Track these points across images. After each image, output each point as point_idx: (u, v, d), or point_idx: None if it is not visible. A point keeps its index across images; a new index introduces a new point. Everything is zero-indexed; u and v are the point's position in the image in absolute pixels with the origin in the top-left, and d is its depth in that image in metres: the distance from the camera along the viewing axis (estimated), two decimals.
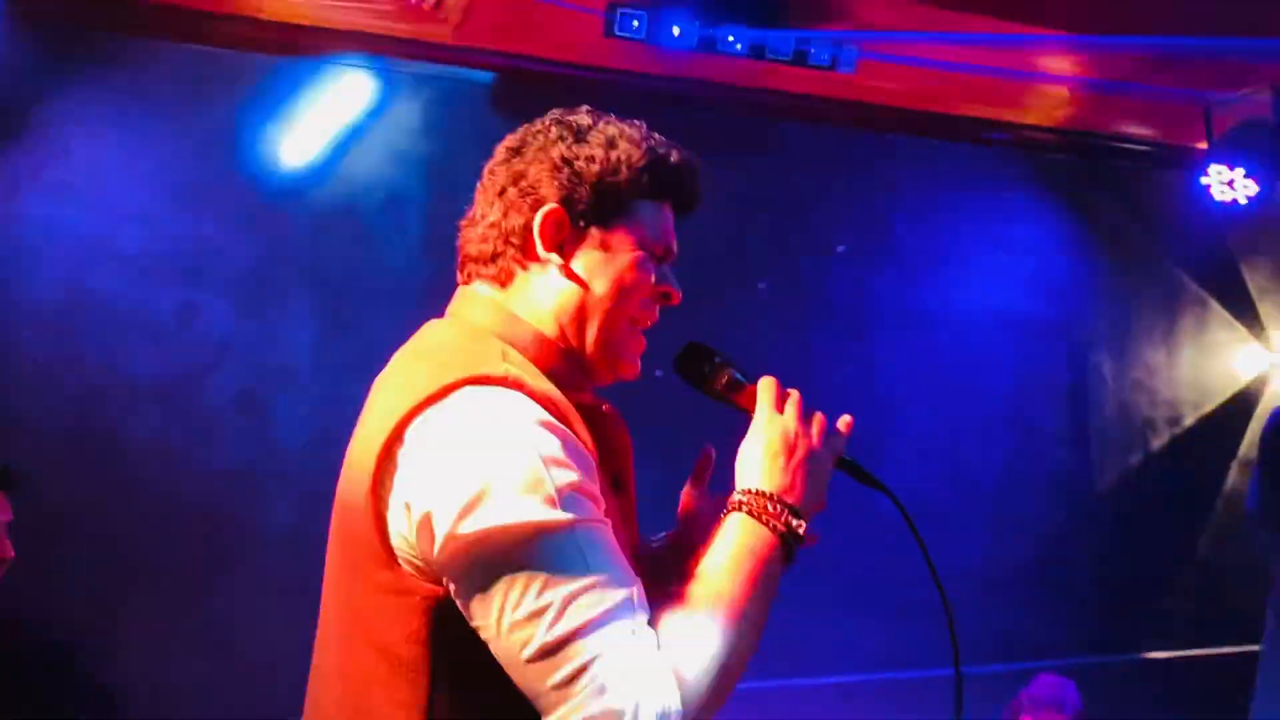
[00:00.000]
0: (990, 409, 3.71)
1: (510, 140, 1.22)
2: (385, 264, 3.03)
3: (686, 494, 1.36)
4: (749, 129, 3.46)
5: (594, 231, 1.18)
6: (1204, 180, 3.45)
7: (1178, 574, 3.91)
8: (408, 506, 1.02)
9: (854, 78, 3.24)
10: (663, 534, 1.37)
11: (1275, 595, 3.10)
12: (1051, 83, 3.37)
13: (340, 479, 1.15)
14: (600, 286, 1.17)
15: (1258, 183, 3.37)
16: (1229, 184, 3.41)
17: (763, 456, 1.17)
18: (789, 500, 1.14)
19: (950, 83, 3.34)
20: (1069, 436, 3.86)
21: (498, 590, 0.98)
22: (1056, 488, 3.80)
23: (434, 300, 1.27)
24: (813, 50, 2.69)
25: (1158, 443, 4.00)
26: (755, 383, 1.22)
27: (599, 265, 1.18)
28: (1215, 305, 4.15)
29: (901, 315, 3.62)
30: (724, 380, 1.27)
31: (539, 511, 0.99)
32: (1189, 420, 4.06)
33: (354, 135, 3.09)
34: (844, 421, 1.25)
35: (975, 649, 3.55)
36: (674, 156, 1.21)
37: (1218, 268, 4.14)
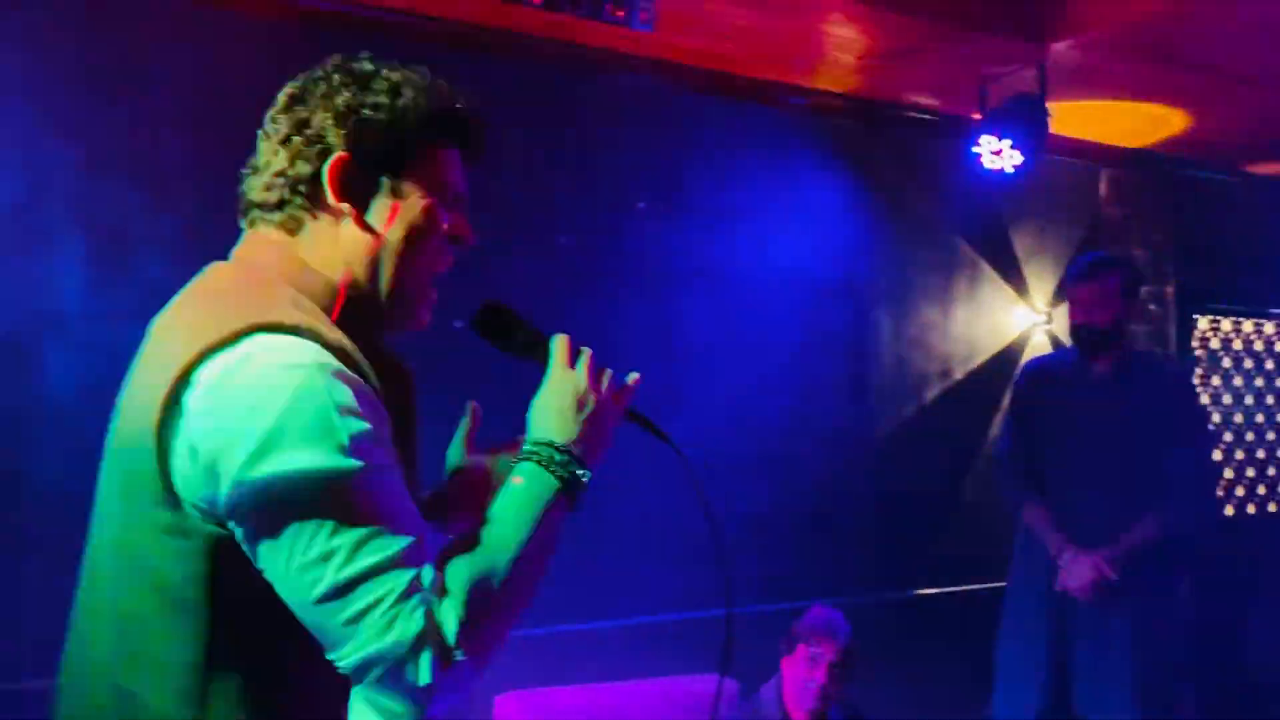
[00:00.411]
0: (779, 363, 3.87)
1: (291, 87, 1.21)
2: (160, 206, 2.86)
3: (458, 448, 1.42)
4: (549, 82, 3.46)
5: (383, 179, 1.19)
6: (975, 150, 3.69)
7: (945, 517, 4.21)
8: (194, 450, 1.02)
9: (653, 35, 3.28)
10: (434, 486, 1.42)
11: (1020, 535, 3.41)
12: (841, 50, 3.50)
13: (116, 421, 1.13)
14: (393, 234, 1.19)
15: (1022, 153, 3.63)
16: (997, 154, 3.67)
17: (553, 410, 1.24)
18: (575, 451, 1.21)
19: (746, 46, 3.43)
20: (850, 389, 4.08)
21: (287, 534, 1.01)
22: (838, 437, 4.02)
23: (214, 246, 1.25)
24: (610, 4, 2.70)
25: (930, 395, 4.28)
26: (549, 340, 1.27)
27: (390, 213, 1.19)
28: (986, 267, 4.46)
29: (698, 272, 3.72)
30: (520, 337, 1.32)
31: (329, 458, 1.01)
32: (959, 374, 4.36)
33: (137, 77, 2.89)
34: (632, 377, 1.35)
35: (760, 588, 3.77)
36: (460, 103, 1.24)
37: (988, 233, 4.44)
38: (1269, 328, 5.44)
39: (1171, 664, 3.33)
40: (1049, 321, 4.55)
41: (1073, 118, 4.21)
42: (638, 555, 3.42)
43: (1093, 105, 4.13)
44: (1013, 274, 4.51)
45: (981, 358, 4.41)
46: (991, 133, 3.65)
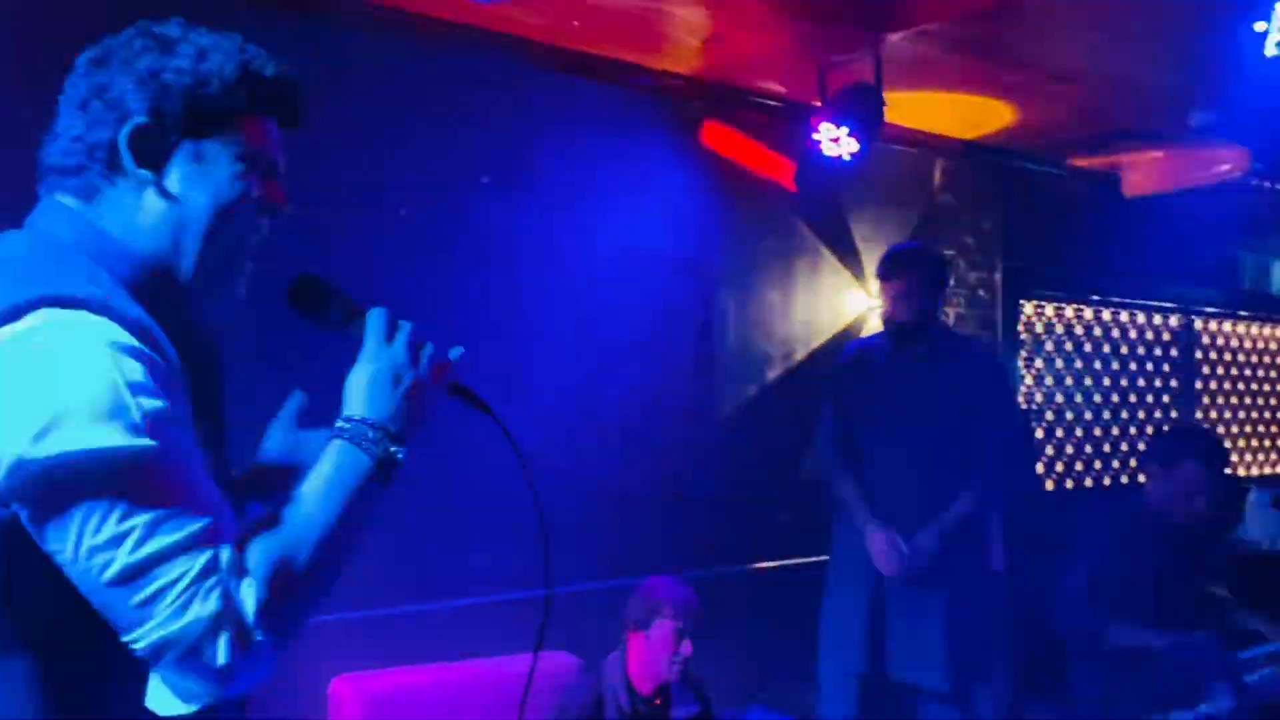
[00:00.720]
0: (625, 342, 3.90)
1: (92, 52, 1.16)
2: None
3: (277, 428, 1.39)
4: (395, 52, 3.37)
5: (187, 145, 1.15)
6: (815, 136, 3.79)
7: (784, 492, 4.33)
8: None
9: (500, 10, 3.25)
10: (247, 466, 1.38)
11: (838, 510, 3.55)
12: (686, 31, 3.54)
13: None
14: (197, 202, 1.15)
15: (859, 141, 3.75)
16: (836, 140, 3.78)
17: (367, 385, 1.20)
18: (390, 427, 1.18)
19: (593, 24, 3.43)
20: (696, 369, 4.15)
21: (76, 515, 0.97)
22: (684, 416, 4.08)
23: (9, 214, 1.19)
24: None
25: (773, 375, 4.38)
26: (366, 313, 1.25)
27: (195, 180, 1.15)
28: (825, 252, 4.59)
29: (545, 249, 3.70)
30: (336, 311, 1.28)
31: (120, 437, 0.97)
32: (800, 355, 4.48)
33: None
34: (455, 351, 1.31)
35: (607, 564, 3.80)
36: (270, 69, 1.20)
37: (828, 218, 4.57)
38: (1088, 313, 5.79)
39: (985, 634, 3.50)
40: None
41: (909, 108, 4.37)
42: (470, 535, 3.40)
43: (927, 96, 4.29)
44: (851, 259, 4.65)
45: (821, 339, 4.54)
46: (830, 120, 3.76)
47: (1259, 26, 2.72)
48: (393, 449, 1.17)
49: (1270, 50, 2.74)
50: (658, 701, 3.00)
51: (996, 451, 3.42)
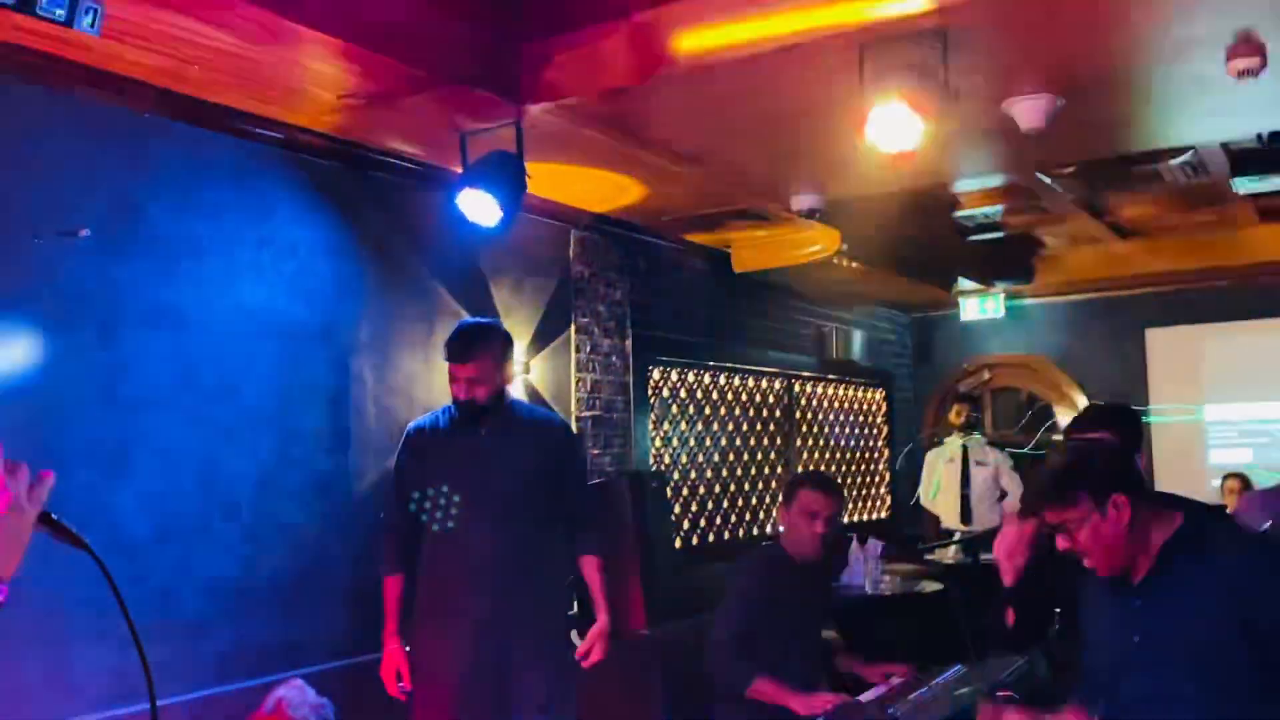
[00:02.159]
0: (249, 414, 3.57)
1: None
2: None
3: None
4: None
5: None
6: (459, 202, 3.73)
7: None
8: None
9: (107, 46, 2.89)
10: None
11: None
12: (321, 86, 3.35)
13: None
14: None
15: (502, 209, 3.74)
16: (478, 207, 3.74)
17: None
18: None
19: (216, 70, 3.15)
20: (330, 442, 3.88)
21: None
22: (317, 493, 3.80)
23: None
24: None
25: None
26: None
27: None
28: (467, 318, 4.51)
29: (154, 312, 3.30)
30: None
31: None
32: None
33: None
34: (45, 476, 1.18)
35: (232, 663, 3.41)
36: None
37: (470, 284, 4.51)
38: (707, 378, 6.17)
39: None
40: (527, 372, 4.72)
41: (548, 179, 4.45)
42: (73, 645, 2.92)
43: (566, 169, 4.39)
44: None
45: None
46: (473, 186, 3.71)
47: (869, 117, 3.03)
48: None
49: (873, 141, 3.05)
50: None
51: (589, 512, 3.68)
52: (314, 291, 3.86)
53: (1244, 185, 4.68)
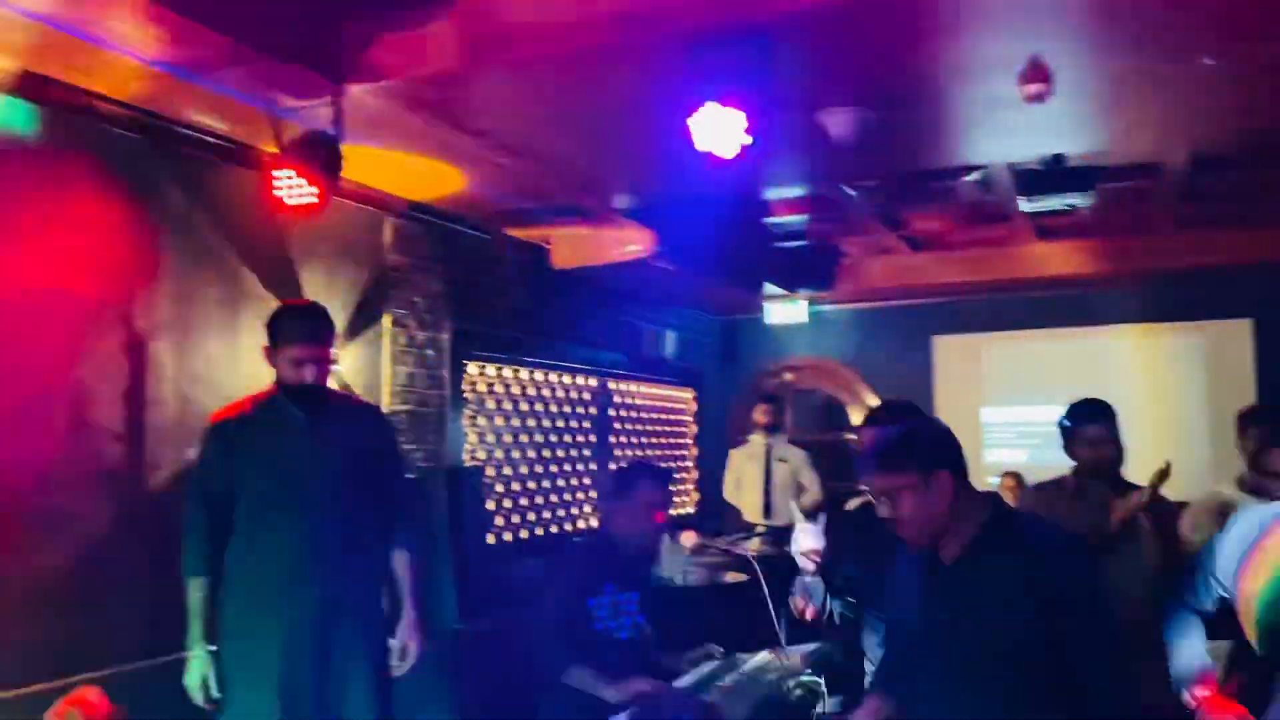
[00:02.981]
0: (33, 401, 3.31)
1: None
2: None
3: None
4: None
5: None
6: (272, 182, 3.57)
7: None
8: None
9: None
10: None
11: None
12: (124, 51, 3.14)
13: None
14: None
15: (315, 191, 3.60)
16: (290, 189, 3.59)
17: None
18: None
19: (8, 26, 2.91)
20: (125, 431, 3.64)
21: None
22: (108, 487, 3.55)
23: None
24: None
25: None
26: None
27: None
28: (276, 303, 4.32)
29: None
30: None
31: None
32: None
33: None
34: None
35: (16, 667, 3.14)
36: None
37: (279, 269, 4.33)
38: (524, 374, 6.15)
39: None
40: (336, 363, 4.57)
41: (364, 163, 4.33)
42: None
43: (384, 154, 4.28)
44: None
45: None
46: (286, 167, 3.57)
47: (691, 122, 3.09)
48: None
49: (699, 144, 3.12)
50: None
51: (410, 503, 3.67)
52: (107, 271, 3.61)
53: (1029, 204, 5.05)
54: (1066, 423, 3.83)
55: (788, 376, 9.37)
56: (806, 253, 7.56)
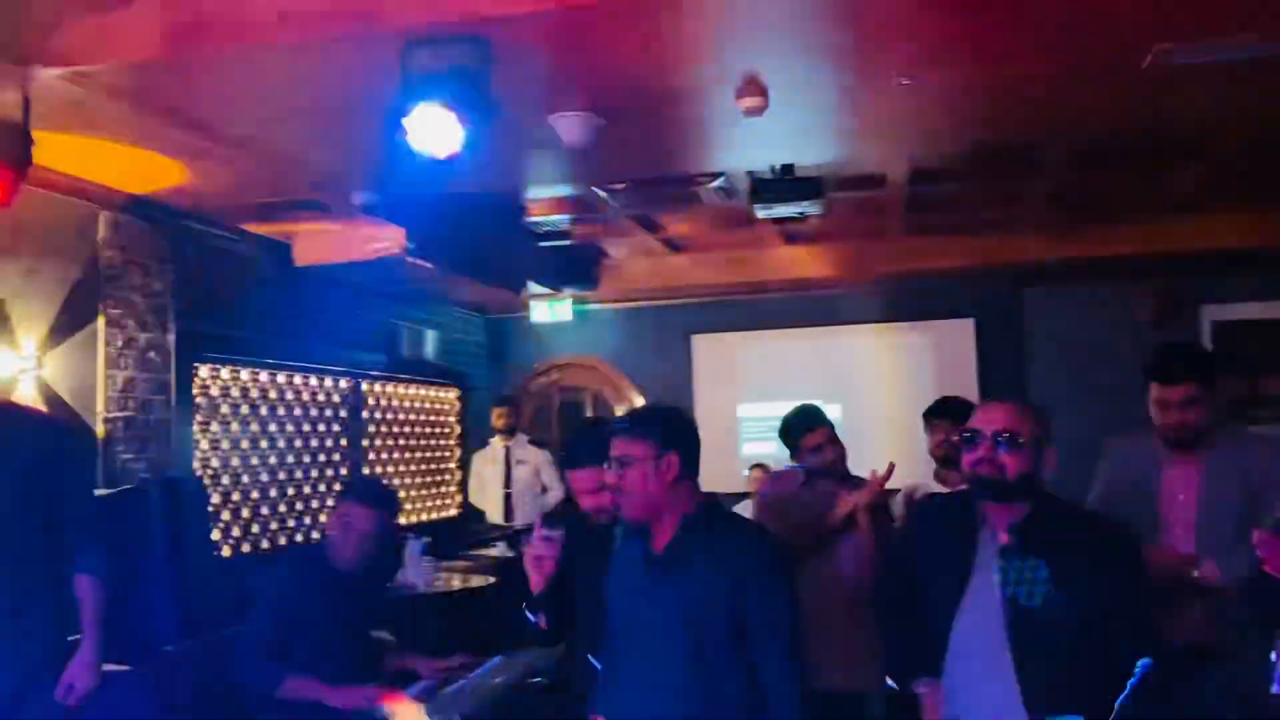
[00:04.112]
0: None
1: None
2: None
3: None
4: None
5: None
6: None
7: None
8: None
9: None
10: None
11: None
12: None
13: None
14: None
15: (5, 183, 3.31)
16: None
17: None
18: None
19: None
20: None
21: None
22: None
23: None
24: None
25: None
26: None
27: None
28: None
29: None
30: None
31: None
32: None
33: None
34: None
35: None
36: None
37: None
38: (264, 376, 5.87)
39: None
40: (40, 367, 4.21)
41: (74, 153, 4.01)
42: None
43: (92, 143, 3.97)
44: None
45: None
46: None
47: (406, 121, 3.03)
48: None
49: (415, 143, 3.06)
50: None
51: (89, 526, 3.33)
52: None
53: (762, 211, 5.27)
54: (786, 434, 4.03)
55: (554, 375, 9.42)
56: (569, 252, 7.61)
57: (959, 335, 8.49)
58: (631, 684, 2.52)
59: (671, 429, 2.56)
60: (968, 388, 7.87)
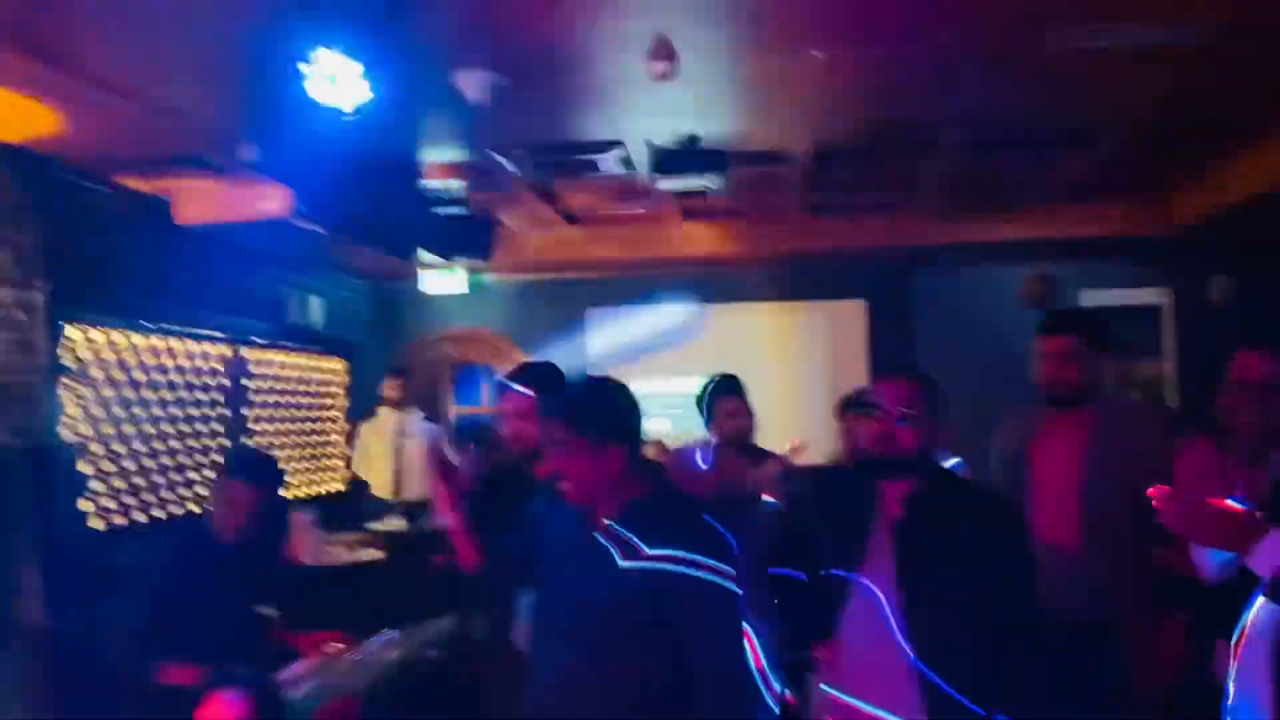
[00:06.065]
0: None
1: None
2: None
3: None
4: None
5: None
6: None
7: None
8: None
9: None
10: None
11: None
12: None
13: None
14: None
15: None
16: None
17: None
18: None
19: None
20: None
21: None
22: None
23: None
24: None
25: None
26: None
27: None
28: None
29: None
30: None
31: None
32: None
33: None
34: None
35: None
36: None
37: None
38: (139, 339, 5.56)
39: None
40: None
41: None
42: None
43: None
44: None
45: None
46: None
47: (303, 68, 2.87)
48: None
49: (313, 93, 2.91)
50: None
51: None
52: None
53: (665, 183, 5.21)
54: (704, 398, 4.04)
55: (446, 347, 9.24)
56: (463, 221, 7.43)
57: (851, 315, 8.63)
58: (554, 667, 2.40)
59: (608, 414, 2.35)
60: (858, 367, 8.02)
